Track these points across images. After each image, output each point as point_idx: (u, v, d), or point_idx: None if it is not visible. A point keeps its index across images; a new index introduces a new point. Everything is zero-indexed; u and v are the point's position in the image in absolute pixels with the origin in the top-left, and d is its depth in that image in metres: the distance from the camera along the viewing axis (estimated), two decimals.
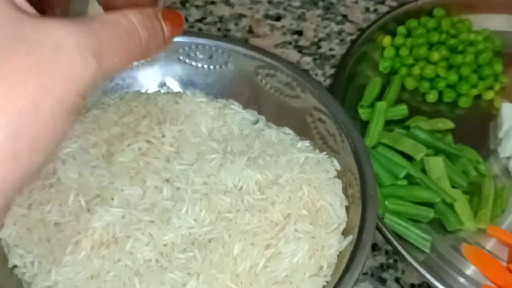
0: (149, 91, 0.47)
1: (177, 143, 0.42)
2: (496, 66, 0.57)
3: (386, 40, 0.59)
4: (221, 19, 0.63)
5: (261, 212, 0.38)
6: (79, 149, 0.41)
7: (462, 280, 0.43)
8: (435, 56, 0.56)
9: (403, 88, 0.57)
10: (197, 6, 0.64)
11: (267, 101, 0.47)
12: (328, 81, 0.57)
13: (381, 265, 0.45)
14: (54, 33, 0.20)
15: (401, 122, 0.53)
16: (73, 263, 0.35)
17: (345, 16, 0.64)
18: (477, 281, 0.43)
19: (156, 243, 0.36)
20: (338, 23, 0.63)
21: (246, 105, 0.47)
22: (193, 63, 0.48)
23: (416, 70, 0.57)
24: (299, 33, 0.62)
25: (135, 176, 0.40)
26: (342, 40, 0.61)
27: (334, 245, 0.38)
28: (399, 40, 0.59)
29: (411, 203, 0.46)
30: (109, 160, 0.40)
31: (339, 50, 0.60)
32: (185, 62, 0.48)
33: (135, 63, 0.47)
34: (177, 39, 0.47)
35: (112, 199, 0.38)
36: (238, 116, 0.45)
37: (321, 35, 0.62)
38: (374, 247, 0.46)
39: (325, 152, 0.43)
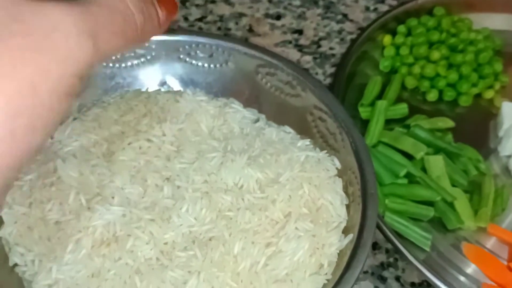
0: (149, 90, 0.47)
1: (178, 141, 0.42)
2: (496, 65, 0.57)
3: (387, 39, 0.59)
4: (221, 18, 0.63)
5: (261, 210, 0.38)
6: (79, 148, 0.41)
7: (462, 278, 0.43)
8: (435, 55, 0.56)
9: (403, 87, 0.57)
10: (197, 5, 0.64)
11: (268, 100, 0.47)
12: (328, 80, 0.57)
13: (382, 264, 0.45)
14: (51, 15, 0.20)
15: (401, 121, 0.53)
16: (74, 261, 0.35)
17: (345, 15, 0.64)
18: (478, 280, 0.43)
19: (156, 242, 0.36)
20: (338, 22, 0.63)
21: (246, 103, 0.47)
22: (194, 61, 0.48)
23: (416, 69, 0.57)
24: (299, 32, 0.62)
25: (136, 174, 0.40)
26: (342, 39, 0.61)
27: (334, 243, 0.38)
28: (399, 39, 0.59)
29: (411, 201, 0.46)
30: (109, 158, 0.40)
31: (339, 49, 0.60)
32: (185, 61, 0.48)
33: (136, 62, 0.47)
34: (178, 38, 0.47)
35: (113, 197, 0.38)
36: (238, 114, 0.45)
37: (321, 34, 0.62)
38: (375, 246, 0.46)
39: (325, 151, 0.43)
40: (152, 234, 0.37)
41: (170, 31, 0.47)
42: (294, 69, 0.46)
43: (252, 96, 0.48)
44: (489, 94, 0.57)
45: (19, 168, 0.20)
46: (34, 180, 0.39)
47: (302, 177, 0.40)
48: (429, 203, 0.46)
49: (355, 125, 0.43)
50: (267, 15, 0.63)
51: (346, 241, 0.38)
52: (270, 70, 0.46)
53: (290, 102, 0.46)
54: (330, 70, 0.58)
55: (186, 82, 0.49)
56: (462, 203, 0.46)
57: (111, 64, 0.47)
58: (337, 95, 0.52)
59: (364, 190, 0.39)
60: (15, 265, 0.37)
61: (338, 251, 0.38)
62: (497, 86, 0.57)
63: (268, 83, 0.47)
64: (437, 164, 0.48)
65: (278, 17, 0.63)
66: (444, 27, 0.58)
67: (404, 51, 0.58)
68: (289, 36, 0.61)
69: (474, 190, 0.48)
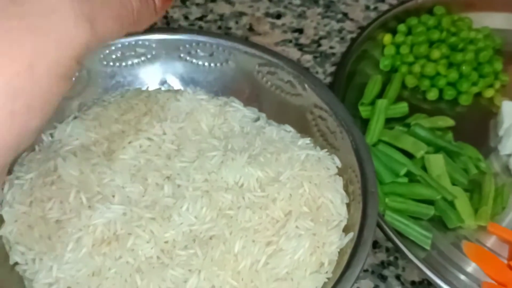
0: (150, 89, 0.47)
1: (178, 140, 0.42)
2: (496, 64, 0.57)
3: (387, 38, 0.59)
4: (221, 17, 0.63)
5: (262, 209, 0.38)
6: (80, 146, 0.41)
7: (462, 277, 0.43)
8: (436, 54, 0.56)
9: (403, 86, 0.57)
10: (197, 4, 0.64)
11: (268, 98, 0.47)
12: (328, 79, 0.57)
13: (382, 262, 0.45)
14: None
15: (401, 120, 0.53)
16: (74, 260, 0.35)
17: (345, 14, 0.64)
18: (478, 278, 0.43)
19: (157, 240, 0.36)
20: (338, 21, 0.63)
21: (246, 102, 0.47)
22: (194, 60, 0.48)
23: (416, 68, 0.57)
24: (300, 31, 0.62)
25: (136, 173, 0.40)
26: (342, 38, 0.61)
27: (335, 242, 0.38)
28: (399, 38, 0.59)
29: (411, 200, 0.46)
30: (110, 157, 0.40)
31: (339, 48, 0.60)
32: (186, 60, 0.48)
33: (136, 60, 0.47)
34: (178, 36, 0.47)
35: (113, 196, 0.38)
36: (239, 113, 0.46)
37: (321, 33, 0.62)
38: (375, 244, 0.46)
39: (326, 150, 0.43)
40: (153, 232, 0.37)
41: (171, 30, 0.47)
42: (294, 68, 0.46)
43: (253, 95, 0.48)
44: (489, 93, 0.57)
45: (18, 149, 0.20)
46: (35, 178, 0.39)
47: (302, 176, 0.40)
48: (430, 202, 0.46)
49: (355, 123, 0.43)
50: (267, 14, 0.63)
51: (347, 240, 0.38)
52: (271, 69, 0.46)
53: (290, 101, 0.46)
54: (330, 69, 0.58)
55: (187, 81, 0.49)
56: (462, 202, 0.46)
57: (111, 63, 0.47)
58: (338, 94, 0.52)
59: (364, 188, 0.39)
60: (16, 263, 0.37)
61: (338, 250, 0.38)
62: (497, 85, 0.57)
63: (269, 82, 0.47)
64: (437, 163, 0.48)
65: (279, 16, 0.63)
66: (444, 26, 0.58)
67: (404, 50, 0.58)
68: (289, 35, 0.61)
69: (474, 189, 0.48)
